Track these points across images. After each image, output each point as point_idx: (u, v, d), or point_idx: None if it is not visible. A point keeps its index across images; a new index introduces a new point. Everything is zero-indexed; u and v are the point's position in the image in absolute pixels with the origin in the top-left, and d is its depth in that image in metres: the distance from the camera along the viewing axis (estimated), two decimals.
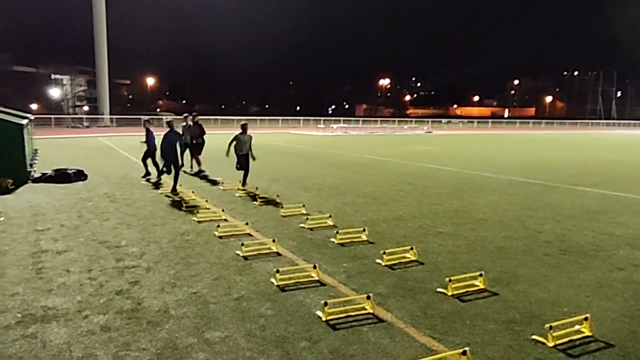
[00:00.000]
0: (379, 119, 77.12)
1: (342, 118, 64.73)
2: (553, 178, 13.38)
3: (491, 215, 8.42)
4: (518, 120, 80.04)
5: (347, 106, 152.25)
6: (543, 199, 10.09)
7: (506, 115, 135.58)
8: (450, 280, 4.83)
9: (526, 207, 9.18)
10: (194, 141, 13.30)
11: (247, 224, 7.17)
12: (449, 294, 4.74)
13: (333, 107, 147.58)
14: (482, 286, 4.93)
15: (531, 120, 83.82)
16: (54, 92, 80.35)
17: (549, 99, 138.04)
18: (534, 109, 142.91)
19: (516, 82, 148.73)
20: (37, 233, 6.85)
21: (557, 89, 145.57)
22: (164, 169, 10.33)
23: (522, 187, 11.69)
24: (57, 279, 5.06)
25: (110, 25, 56.63)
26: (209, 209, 8.57)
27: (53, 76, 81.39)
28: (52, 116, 46.28)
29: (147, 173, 12.65)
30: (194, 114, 13.75)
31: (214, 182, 11.91)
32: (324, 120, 56.11)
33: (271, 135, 38.80)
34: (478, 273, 5.06)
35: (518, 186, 11.79)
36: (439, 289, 4.87)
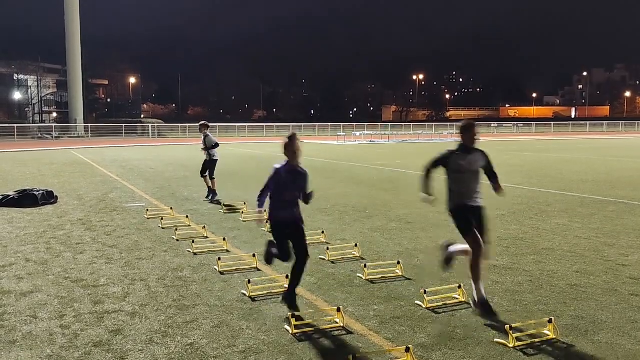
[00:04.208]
0: (412, 123, 77.33)
1: (366, 124, 64.99)
2: (638, 196, 13.14)
3: (560, 243, 8.28)
4: (588, 122, 79.34)
5: (371, 108, 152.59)
6: (626, 222, 9.91)
7: (573, 115, 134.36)
8: (511, 328, 4.74)
9: (604, 233, 9.02)
10: (215, 157, 13.07)
11: (254, 255, 7.18)
12: (510, 345, 4.65)
13: (355, 109, 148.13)
14: (552, 335, 4.82)
15: (605, 122, 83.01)
16: (17, 96, 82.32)
17: (627, 94, 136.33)
18: (608, 108, 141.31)
19: (585, 74, 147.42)
20: None
21: (639, 82, 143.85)
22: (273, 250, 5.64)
23: (597, 207, 11.51)
24: (21, 327, 5.11)
25: (84, 13, 58.12)
26: (207, 237, 8.62)
27: (16, 77, 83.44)
28: (15, 125, 47.42)
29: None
30: (202, 122, 13.38)
31: (212, 204, 11.99)
32: (345, 126, 56.36)
33: (281, 146, 39.03)
34: (547, 319, 4.97)
35: (593, 206, 11.61)
36: (497, 339, 4.78)
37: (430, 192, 5.81)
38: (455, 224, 5.68)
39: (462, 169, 5.58)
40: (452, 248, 5.92)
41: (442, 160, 5.69)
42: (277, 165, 5.52)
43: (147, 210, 10.96)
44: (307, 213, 10.60)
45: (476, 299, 5.43)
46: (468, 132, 5.63)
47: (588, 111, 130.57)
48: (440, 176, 5.63)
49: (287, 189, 5.49)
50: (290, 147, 5.55)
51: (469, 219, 5.58)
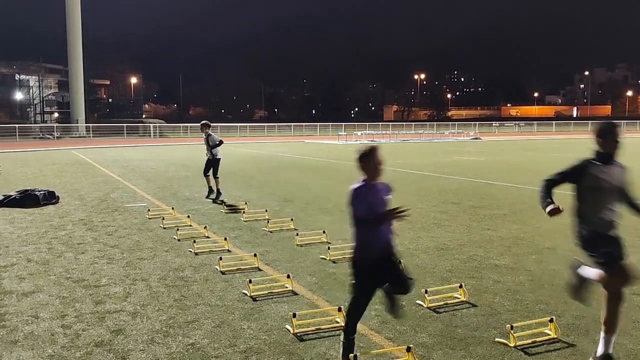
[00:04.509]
0: (413, 123, 77.36)
1: (367, 123, 65.06)
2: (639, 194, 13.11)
3: (561, 242, 8.26)
4: (590, 121, 79.33)
5: (373, 108, 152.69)
6: (627, 221, 9.84)
7: (575, 114, 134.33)
8: (512, 327, 4.73)
9: None
10: (217, 156, 13.01)
11: (255, 255, 7.19)
12: (511, 345, 4.64)
13: (356, 109, 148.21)
14: (553, 335, 4.82)
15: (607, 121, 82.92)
16: (19, 96, 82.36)
17: (629, 93, 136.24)
18: (609, 107, 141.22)
19: (586, 73, 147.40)
20: None
21: None
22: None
23: None
24: (23, 327, 5.12)
25: (85, 13, 58.17)
26: (208, 237, 8.62)
27: (17, 77, 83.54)
28: (17, 125, 47.47)
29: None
30: (203, 122, 13.26)
31: (214, 205, 11.99)
32: (346, 126, 56.41)
33: (282, 146, 39.09)
34: (548, 318, 4.96)
35: None
36: (498, 339, 4.78)
37: (553, 201, 4.38)
38: (592, 260, 4.38)
39: (603, 185, 4.23)
40: (584, 271, 4.57)
41: (576, 172, 4.29)
42: (355, 186, 4.13)
43: (149, 210, 10.96)
44: (308, 212, 10.67)
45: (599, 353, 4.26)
46: (610, 136, 4.28)
47: (590, 110, 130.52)
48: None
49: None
50: (372, 161, 4.16)
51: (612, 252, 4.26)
